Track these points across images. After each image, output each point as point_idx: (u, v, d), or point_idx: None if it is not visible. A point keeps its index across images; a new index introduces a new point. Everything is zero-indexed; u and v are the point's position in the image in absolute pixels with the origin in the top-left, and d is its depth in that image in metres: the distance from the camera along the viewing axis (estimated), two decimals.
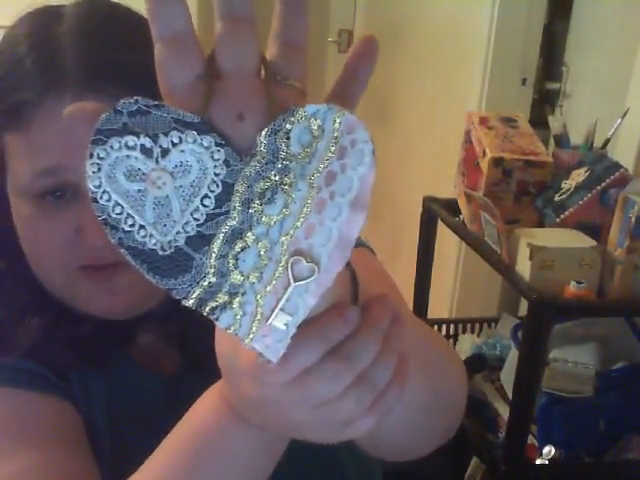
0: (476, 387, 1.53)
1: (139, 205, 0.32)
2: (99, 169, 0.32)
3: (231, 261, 0.32)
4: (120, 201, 0.32)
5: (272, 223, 0.32)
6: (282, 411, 0.37)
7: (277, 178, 0.32)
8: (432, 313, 1.80)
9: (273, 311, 0.32)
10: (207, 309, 0.33)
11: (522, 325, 1.39)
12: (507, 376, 1.44)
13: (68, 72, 0.57)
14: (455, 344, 1.80)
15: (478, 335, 1.80)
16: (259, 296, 0.32)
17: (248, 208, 0.32)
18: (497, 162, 1.39)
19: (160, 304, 0.64)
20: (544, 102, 1.98)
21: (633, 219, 1.16)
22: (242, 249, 0.32)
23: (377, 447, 0.57)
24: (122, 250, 0.33)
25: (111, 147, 0.32)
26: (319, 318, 0.34)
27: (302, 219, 0.32)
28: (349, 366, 0.35)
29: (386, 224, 3.01)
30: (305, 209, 0.32)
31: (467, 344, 1.70)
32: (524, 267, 1.24)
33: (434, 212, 1.62)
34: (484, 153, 1.42)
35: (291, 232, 0.32)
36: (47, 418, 0.60)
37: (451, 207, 1.58)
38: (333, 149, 0.31)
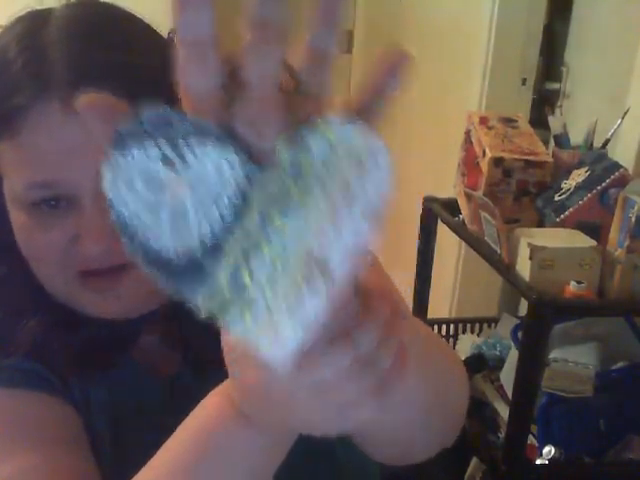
0: (476, 387, 1.53)
1: (156, 214, 0.32)
2: (117, 175, 0.31)
3: (246, 272, 0.32)
4: (137, 209, 0.32)
5: (288, 235, 0.31)
6: (284, 398, 0.38)
7: (295, 191, 0.31)
8: (432, 313, 1.80)
9: (286, 322, 0.32)
10: (220, 319, 0.33)
11: (522, 325, 1.39)
12: (507, 376, 1.44)
13: (57, 76, 0.56)
14: (455, 344, 1.80)
15: (478, 335, 1.80)
16: (272, 307, 0.32)
17: (265, 220, 0.31)
18: (497, 162, 1.39)
19: (162, 305, 0.64)
20: (544, 102, 1.98)
21: (633, 219, 1.16)
22: (257, 260, 0.32)
23: (378, 448, 0.57)
24: (137, 259, 0.32)
25: (130, 154, 0.31)
26: None
27: (318, 231, 0.31)
28: (350, 348, 0.35)
29: (386, 224, 3.01)
30: (322, 221, 0.31)
31: (467, 344, 1.70)
32: (524, 267, 1.24)
33: (434, 212, 1.62)
34: (484, 153, 1.42)
35: (307, 243, 0.31)
36: (46, 418, 0.60)
37: (451, 207, 1.58)
38: (353, 165, 0.31)
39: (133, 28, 0.61)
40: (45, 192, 0.58)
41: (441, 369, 0.57)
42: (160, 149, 0.31)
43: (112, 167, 0.31)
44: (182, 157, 0.31)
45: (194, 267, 0.32)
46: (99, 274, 0.60)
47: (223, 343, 0.40)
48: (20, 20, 0.61)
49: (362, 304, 0.37)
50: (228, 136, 0.31)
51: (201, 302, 0.32)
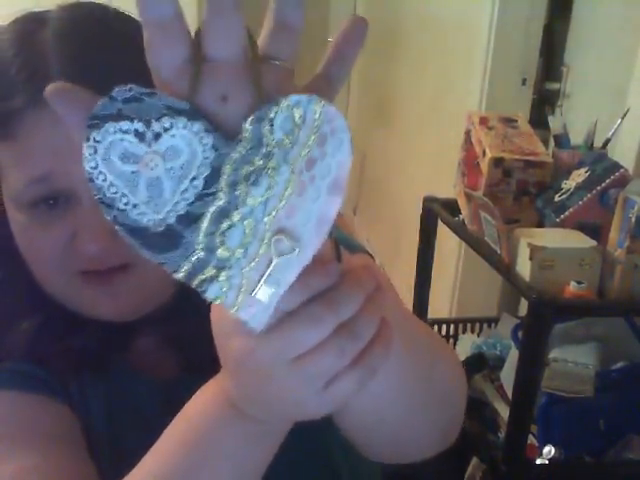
0: (476, 387, 1.53)
1: (133, 185, 0.34)
2: (95, 151, 0.34)
3: (218, 238, 0.35)
4: (115, 181, 0.34)
5: (256, 204, 0.34)
6: (266, 370, 0.38)
7: (261, 162, 0.34)
8: (432, 313, 1.80)
9: (257, 284, 0.35)
10: (196, 282, 0.35)
11: (522, 325, 1.39)
12: (507, 376, 1.45)
13: (52, 78, 0.56)
14: (455, 344, 1.80)
15: (478, 335, 1.80)
16: (244, 270, 0.35)
17: (234, 190, 0.34)
18: (497, 162, 1.39)
19: (160, 307, 0.64)
20: (544, 102, 1.98)
21: (633, 219, 1.16)
22: (229, 227, 0.35)
23: (373, 440, 0.56)
24: (117, 227, 0.35)
25: (106, 131, 0.34)
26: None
27: (284, 200, 0.34)
28: (331, 311, 0.36)
29: (386, 224, 3.01)
30: (287, 191, 0.34)
31: (467, 344, 1.70)
32: (524, 267, 1.24)
33: (434, 212, 1.62)
34: (484, 153, 1.42)
35: (274, 212, 0.34)
36: (44, 420, 0.60)
37: (451, 207, 1.58)
38: (314, 137, 0.34)
39: (129, 29, 0.61)
40: (43, 188, 0.58)
41: (433, 356, 0.57)
42: (132, 125, 0.34)
43: (89, 144, 0.34)
44: (153, 132, 0.34)
45: (170, 234, 0.35)
46: (99, 274, 0.60)
47: (212, 317, 0.40)
48: (16, 22, 0.61)
49: (346, 274, 0.37)
50: (197, 113, 0.34)
51: (178, 266, 0.35)
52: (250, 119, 0.34)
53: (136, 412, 0.65)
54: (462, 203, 1.52)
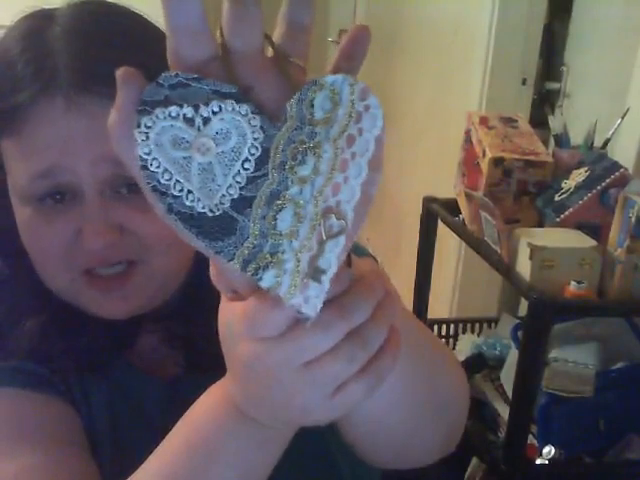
0: (476, 387, 1.53)
1: (186, 171, 0.34)
2: (147, 137, 0.34)
3: (271, 221, 0.35)
4: (169, 168, 0.34)
5: (304, 183, 0.35)
6: (274, 375, 0.37)
7: (306, 142, 0.35)
8: (432, 313, 1.80)
9: (310, 267, 0.35)
10: (251, 270, 0.35)
11: (522, 325, 1.39)
12: (507, 376, 1.45)
13: (59, 74, 0.56)
14: (455, 344, 1.80)
15: (478, 335, 1.80)
16: (297, 254, 0.35)
17: (283, 170, 0.35)
18: (497, 162, 1.39)
19: (165, 304, 0.64)
20: (544, 102, 1.98)
21: (633, 219, 1.16)
22: (280, 209, 0.35)
23: (375, 446, 0.57)
24: (171, 216, 0.34)
25: (157, 117, 0.34)
26: None
27: (330, 178, 0.35)
28: (342, 318, 0.36)
29: (386, 224, 3.01)
30: (332, 169, 0.35)
31: (467, 344, 1.70)
32: (524, 267, 1.24)
33: (434, 212, 1.62)
34: (484, 153, 1.42)
35: (321, 191, 0.35)
36: (47, 419, 0.60)
37: (451, 207, 1.58)
38: (351, 114, 0.35)
39: (137, 26, 0.62)
40: (48, 183, 0.58)
41: (436, 363, 0.57)
42: (181, 110, 0.34)
43: (141, 130, 0.34)
44: (202, 117, 0.34)
45: (225, 220, 0.35)
46: (103, 279, 0.60)
47: (219, 319, 0.40)
48: (25, 19, 0.62)
49: (356, 280, 0.37)
50: (244, 96, 0.34)
51: (234, 254, 0.35)
52: (293, 100, 0.34)
53: (138, 411, 0.65)
54: (462, 203, 1.52)
